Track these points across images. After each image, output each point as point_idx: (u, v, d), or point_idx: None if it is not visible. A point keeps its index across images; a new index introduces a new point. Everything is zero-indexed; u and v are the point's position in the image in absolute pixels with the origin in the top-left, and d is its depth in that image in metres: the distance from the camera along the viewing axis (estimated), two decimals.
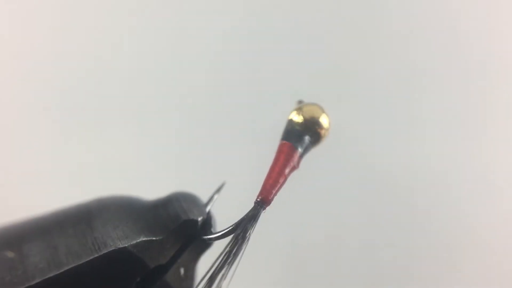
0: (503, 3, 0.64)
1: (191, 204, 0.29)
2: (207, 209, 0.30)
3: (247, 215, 0.28)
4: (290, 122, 0.31)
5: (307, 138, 0.31)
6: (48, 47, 0.64)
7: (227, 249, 0.27)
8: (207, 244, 0.29)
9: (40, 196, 0.60)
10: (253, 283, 0.62)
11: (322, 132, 0.31)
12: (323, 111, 0.31)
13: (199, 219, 0.28)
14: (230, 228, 0.28)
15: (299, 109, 0.31)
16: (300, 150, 0.31)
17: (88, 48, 0.64)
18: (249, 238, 0.28)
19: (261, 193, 0.29)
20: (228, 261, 0.27)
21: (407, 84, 0.64)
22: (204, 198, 0.31)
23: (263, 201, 0.29)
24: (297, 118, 0.31)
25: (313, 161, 0.32)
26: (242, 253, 0.27)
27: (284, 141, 0.31)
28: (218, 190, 0.31)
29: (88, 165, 0.62)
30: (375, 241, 0.64)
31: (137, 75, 0.64)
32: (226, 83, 0.64)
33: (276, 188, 0.30)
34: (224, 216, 0.31)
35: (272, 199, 0.30)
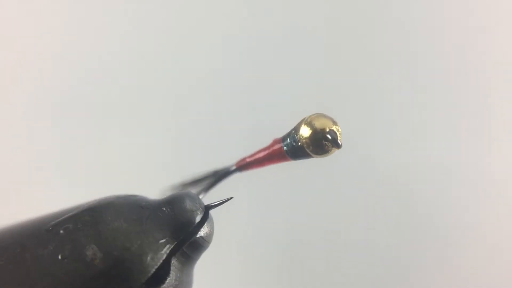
0: (503, 3, 0.64)
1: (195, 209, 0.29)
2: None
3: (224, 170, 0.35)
4: (299, 139, 0.29)
5: (310, 154, 0.30)
6: (50, 48, 0.64)
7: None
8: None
9: (42, 196, 0.60)
10: (255, 282, 0.62)
11: (329, 147, 0.29)
12: (334, 123, 0.29)
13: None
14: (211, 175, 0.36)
15: (309, 124, 0.29)
16: (294, 161, 0.31)
17: (91, 49, 0.64)
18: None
19: (241, 163, 0.35)
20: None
21: (407, 85, 0.64)
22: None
23: (238, 168, 0.35)
24: (306, 134, 0.29)
25: (313, 162, 0.32)
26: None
27: (286, 156, 0.31)
28: (223, 202, 0.31)
29: (89, 164, 0.63)
30: (375, 240, 0.64)
31: (139, 76, 0.65)
32: (228, 84, 0.65)
33: (254, 168, 0.34)
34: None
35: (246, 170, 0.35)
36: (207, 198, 0.32)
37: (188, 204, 0.28)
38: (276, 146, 0.31)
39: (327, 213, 0.64)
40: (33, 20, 0.64)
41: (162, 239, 0.26)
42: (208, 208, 0.30)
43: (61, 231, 0.25)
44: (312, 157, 0.30)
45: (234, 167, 0.35)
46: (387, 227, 0.64)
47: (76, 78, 0.64)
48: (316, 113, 0.29)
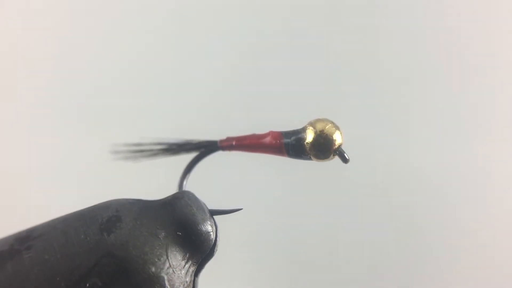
0: (502, 4, 0.64)
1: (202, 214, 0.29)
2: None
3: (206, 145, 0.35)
4: (302, 142, 0.30)
5: (310, 158, 0.31)
6: (50, 48, 0.64)
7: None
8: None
9: (44, 196, 0.60)
10: (255, 281, 0.62)
11: (330, 155, 0.30)
12: (337, 129, 0.30)
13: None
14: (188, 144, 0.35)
15: (314, 129, 0.30)
16: (290, 158, 0.32)
17: (91, 49, 0.64)
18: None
19: (226, 142, 0.34)
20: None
21: (406, 87, 0.64)
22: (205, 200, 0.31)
23: (221, 147, 0.34)
24: (310, 139, 0.30)
25: (313, 164, 0.32)
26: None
27: (284, 153, 0.31)
28: (230, 211, 0.31)
29: (90, 164, 0.63)
30: (376, 241, 0.64)
31: (139, 77, 0.65)
32: (229, 83, 0.65)
33: (240, 151, 0.34)
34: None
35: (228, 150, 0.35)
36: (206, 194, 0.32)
37: (203, 226, 0.28)
38: (275, 141, 0.32)
39: (328, 214, 0.64)
40: (35, 20, 0.64)
41: (187, 267, 0.27)
42: (213, 213, 0.30)
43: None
44: (311, 160, 0.30)
45: (218, 145, 0.34)
46: (388, 228, 0.64)
47: (78, 78, 0.64)
48: (321, 119, 0.30)
